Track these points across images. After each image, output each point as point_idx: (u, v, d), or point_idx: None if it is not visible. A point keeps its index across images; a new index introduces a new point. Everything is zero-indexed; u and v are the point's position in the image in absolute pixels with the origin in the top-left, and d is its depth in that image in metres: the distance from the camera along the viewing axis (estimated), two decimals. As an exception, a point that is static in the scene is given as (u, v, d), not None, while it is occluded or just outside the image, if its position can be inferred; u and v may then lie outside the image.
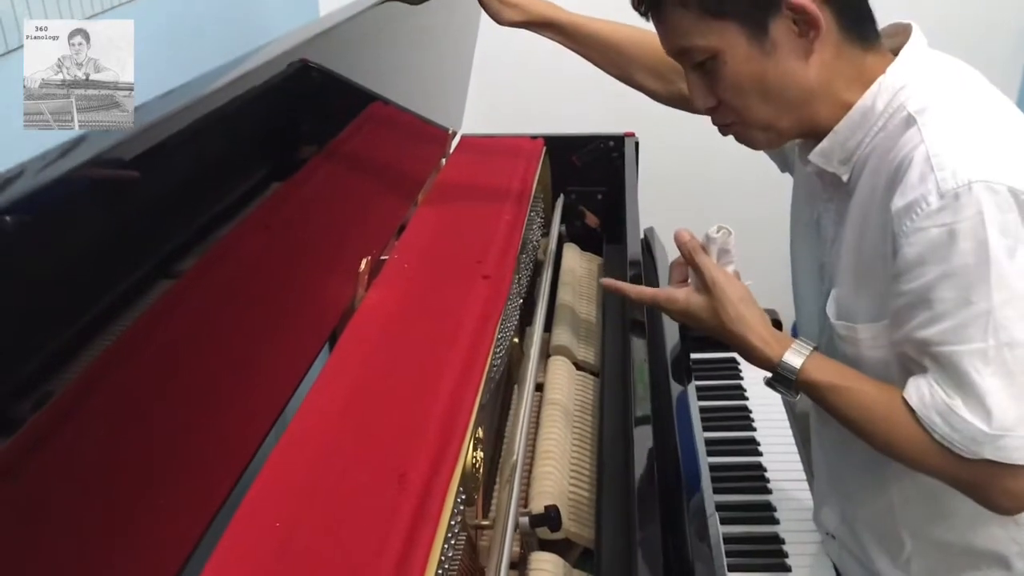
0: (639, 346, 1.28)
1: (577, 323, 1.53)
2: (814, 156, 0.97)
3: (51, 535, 0.63)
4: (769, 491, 1.44)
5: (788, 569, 1.28)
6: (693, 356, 1.71)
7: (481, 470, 1.00)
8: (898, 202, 0.86)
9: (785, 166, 1.21)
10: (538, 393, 1.33)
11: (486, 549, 1.05)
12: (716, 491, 1.37)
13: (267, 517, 0.81)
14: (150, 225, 0.79)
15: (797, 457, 1.50)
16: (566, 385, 1.35)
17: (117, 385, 0.72)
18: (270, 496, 0.84)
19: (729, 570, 1.23)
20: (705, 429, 1.48)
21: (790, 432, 1.56)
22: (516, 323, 1.34)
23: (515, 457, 1.06)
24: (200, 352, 0.85)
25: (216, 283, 0.88)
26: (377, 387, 0.99)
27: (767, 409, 1.62)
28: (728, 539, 1.30)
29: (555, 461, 1.17)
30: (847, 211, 0.97)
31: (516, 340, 1.37)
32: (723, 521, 1.33)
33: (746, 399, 1.65)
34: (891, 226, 0.87)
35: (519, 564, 1.05)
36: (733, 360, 1.74)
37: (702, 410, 1.54)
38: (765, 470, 1.48)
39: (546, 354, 1.43)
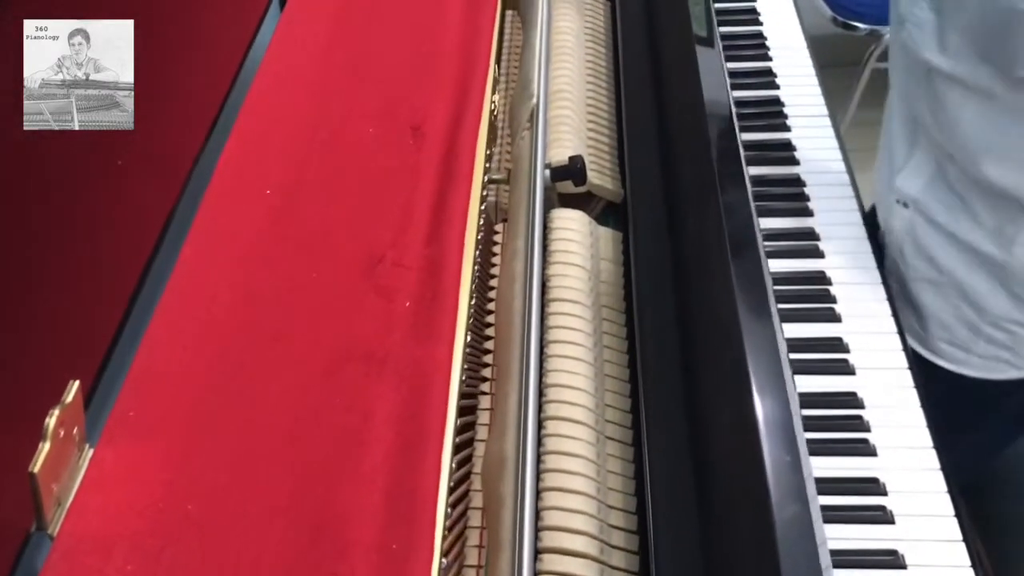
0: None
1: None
2: None
3: None
4: (788, 128, 1.29)
5: (811, 214, 1.17)
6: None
7: (499, 117, 0.82)
8: None
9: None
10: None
11: (493, 205, 0.91)
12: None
13: (252, 184, 0.64)
14: None
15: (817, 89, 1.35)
16: (573, 10, 1.13)
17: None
18: (249, 161, 0.66)
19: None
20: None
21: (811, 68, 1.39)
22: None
23: (535, 99, 0.87)
24: None
25: None
26: (369, 9, 0.77)
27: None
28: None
29: (571, 103, 0.99)
30: None
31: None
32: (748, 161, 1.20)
33: (760, 24, 1.45)
34: None
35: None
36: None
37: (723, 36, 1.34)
38: (783, 105, 1.33)
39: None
